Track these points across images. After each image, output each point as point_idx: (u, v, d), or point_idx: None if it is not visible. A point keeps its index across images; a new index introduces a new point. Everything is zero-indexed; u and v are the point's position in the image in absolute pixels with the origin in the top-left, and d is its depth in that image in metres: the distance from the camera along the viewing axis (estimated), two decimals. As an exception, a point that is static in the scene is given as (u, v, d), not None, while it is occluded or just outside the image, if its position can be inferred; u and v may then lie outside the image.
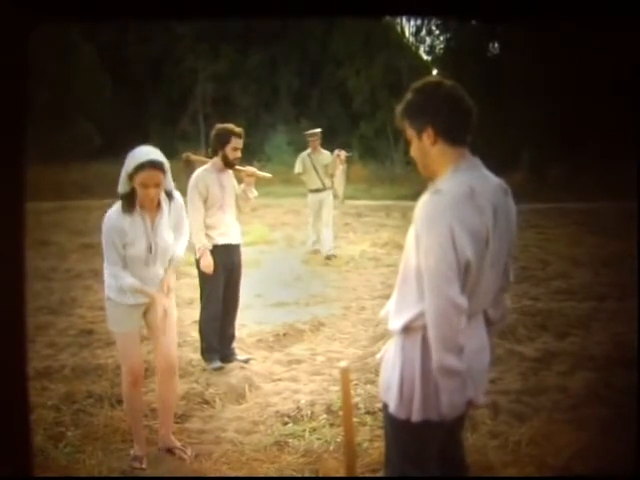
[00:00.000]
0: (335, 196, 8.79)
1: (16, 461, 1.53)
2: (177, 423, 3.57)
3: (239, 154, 4.46)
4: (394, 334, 1.96)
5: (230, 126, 4.47)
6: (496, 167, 1.99)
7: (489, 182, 1.92)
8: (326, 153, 8.48)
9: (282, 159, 18.15)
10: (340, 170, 8.60)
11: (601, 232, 8.94)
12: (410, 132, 1.96)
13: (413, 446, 1.97)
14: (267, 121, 20.15)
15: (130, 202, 3.03)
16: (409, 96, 1.95)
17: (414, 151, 1.98)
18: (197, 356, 4.54)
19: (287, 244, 9.49)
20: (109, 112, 18.69)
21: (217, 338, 4.54)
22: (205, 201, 4.38)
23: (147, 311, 3.24)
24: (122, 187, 3.03)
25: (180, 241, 3.28)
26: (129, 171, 2.97)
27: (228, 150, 4.40)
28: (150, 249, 3.11)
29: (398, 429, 1.96)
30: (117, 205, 3.07)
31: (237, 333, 4.80)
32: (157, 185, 3.00)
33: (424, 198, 1.85)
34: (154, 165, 2.96)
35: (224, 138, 4.41)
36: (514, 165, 13.71)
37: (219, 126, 4.51)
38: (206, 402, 3.91)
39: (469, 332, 1.89)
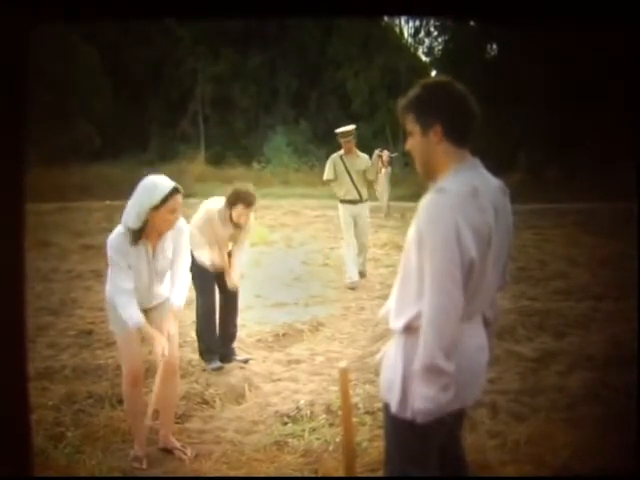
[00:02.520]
0: (380, 208, 7.28)
1: (16, 461, 1.52)
2: (177, 423, 3.59)
3: (242, 220, 4.33)
4: (395, 333, 1.95)
5: (242, 193, 4.29)
6: (494, 168, 1.99)
7: (489, 182, 1.93)
8: (364, 156, 6.93)
9: (281, 160, 18.11)
10: (383, 174, 6.82)
11: (598, 232, 8.92)
12: (413, 127, 1.93)
13: (414, 445, 1.97)
14: (266, 122, 20.11)
15: (139, 235, 3.04)
16: (419, 91, 1.91)
17: (414, 146, 1.95)
18: (197, 356, 4.55)
19: (286, 245, 9.48)
20: (109, 114, 18.66)
21: (215, 339, 4.56)
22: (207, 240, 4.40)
23: (148, 314, 3.24)
24: (137, 221, 3.00)
25: (177, 286, 3.23)
26: (154, 202, 2.96)
27: (234, 213, 4.31)
28: (151, 275, 3.17)
29: (399, 428, 1.96)
30: (118, 231, 3.07)
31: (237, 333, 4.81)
32: (179, 210, 3.05)
33: (427, 197, 1.83)
34: (178, 190, 3.02)
35: (233, 200, 4.30)
36: (512, 166, 13.69)
37: (237, 186, 4.34)
38: (206, 402, 3.93)
39: (470, 332, 1.89)
